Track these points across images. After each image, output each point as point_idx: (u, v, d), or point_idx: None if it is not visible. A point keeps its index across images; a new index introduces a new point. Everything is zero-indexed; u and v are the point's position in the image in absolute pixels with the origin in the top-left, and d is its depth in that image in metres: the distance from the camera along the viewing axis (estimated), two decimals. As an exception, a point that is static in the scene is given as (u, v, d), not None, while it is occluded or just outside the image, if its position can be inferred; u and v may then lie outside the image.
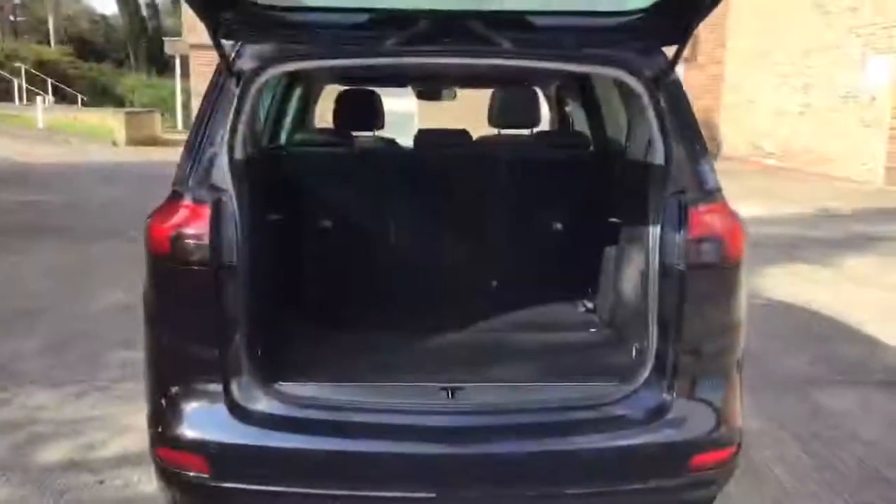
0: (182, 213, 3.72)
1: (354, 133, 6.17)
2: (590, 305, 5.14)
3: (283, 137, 6.31)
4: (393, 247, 5.28)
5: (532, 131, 6.37)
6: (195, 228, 3.67)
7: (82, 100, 39.67)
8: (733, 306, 3.87)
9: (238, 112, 3.85)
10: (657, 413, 3.73)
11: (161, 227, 3.74)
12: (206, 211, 3.67)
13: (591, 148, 5.33)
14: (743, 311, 3.92)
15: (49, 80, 38.04)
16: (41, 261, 9.65)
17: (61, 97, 39.29)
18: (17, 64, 37.87)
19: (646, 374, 3.80)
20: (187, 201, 3.74)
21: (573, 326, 4.81)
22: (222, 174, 3.75)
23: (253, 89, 3.90)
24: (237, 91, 3.86)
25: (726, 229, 3.84)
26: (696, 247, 3.76)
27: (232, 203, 3.71)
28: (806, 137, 22.61)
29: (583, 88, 6.70)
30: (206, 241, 3.64)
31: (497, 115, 5.59)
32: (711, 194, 3.92)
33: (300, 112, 7.21)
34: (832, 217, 14.79)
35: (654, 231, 3.85)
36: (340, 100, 5.60)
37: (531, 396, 3.83)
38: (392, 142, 6.51)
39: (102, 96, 42.48)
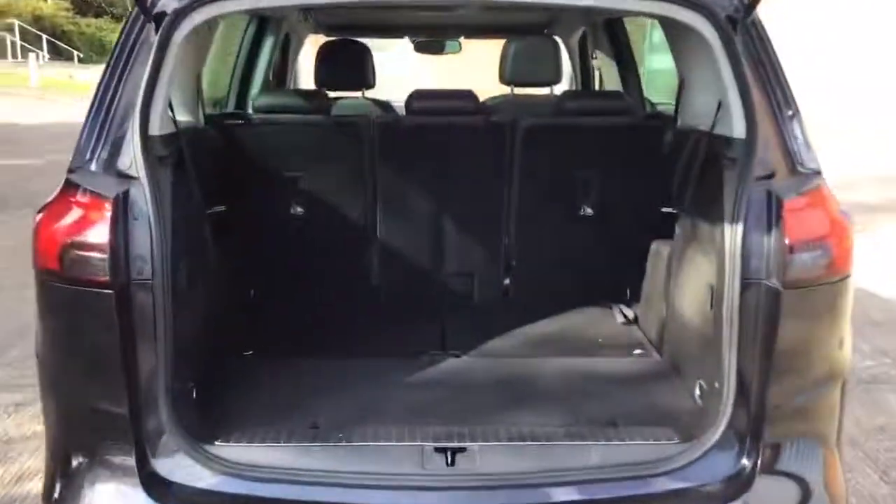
0: (74, 214, 2.67)
1: (340, 94, 5.10)
2: (628, 314, 4.07)
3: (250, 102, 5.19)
4: (379, 243, 4.21)
5: (552, 90, 5.23)
6: (91, 235, 2.65)
7: (78, 56, 38.42)
8: (840, 339, 2.80)
9: (157, 70, 2.78)
10: (734, 488, 2.70)
11: (48, 232, 2.70)
12: (107, 210, 2.61)
13: (634, 113, 4.20)
14: (850, 344, 2.86)
15: (44, 37, 36.78)
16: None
17: (57, 53, 38.06)
18: (11, 20, 36.54)
19: (719, 429, 2.75)
20: (82, 196, 2.69)
21: (612, 346, 3.75)
22: (131, 157, 2.69)
23: (178, 38, 2.82)
24: (156, 41, 2.78)
25: (834, 229, 2.77)
26: (795, 256, 2.68)
27: (145, 196, 2.66)
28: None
29: (613, 38, 5.55)
30: (104, 252, 2.59)
31: (511, 70, 4.51)
32: (810, 180, 2.83)
33: (276, 70, 6.07)
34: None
35: (732, 231, 2.77)
36: (322, 53, 4.54)
37: (560, 462, 2.79)
38: (385, 105, 5.41)
39: (100, 53, 41.13)
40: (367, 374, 3.37)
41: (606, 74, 5.78)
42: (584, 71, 6.53)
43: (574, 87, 6.56)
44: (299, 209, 4.13)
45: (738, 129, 2.90)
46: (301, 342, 3.77)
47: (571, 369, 3.46)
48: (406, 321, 4.02)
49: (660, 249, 3.74)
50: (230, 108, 5.16)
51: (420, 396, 3.19)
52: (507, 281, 4.35)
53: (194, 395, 2.99)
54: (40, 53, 32.49)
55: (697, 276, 3.19)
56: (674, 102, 3.91)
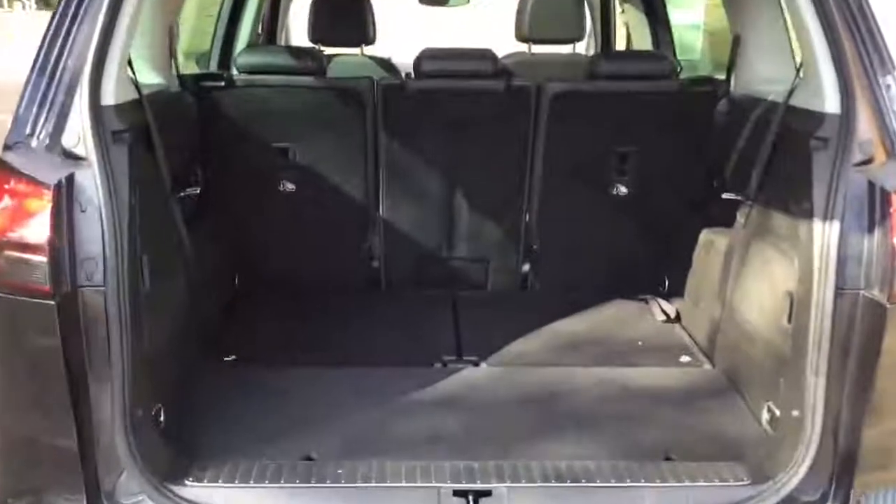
0: (6, 206, 2.15)
1: (335, 50, 4.50)
2: (668, 310, 3.54)
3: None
4: (381, 224, 3.67)
5: (574, 48, 4.64)
6: (27, 232, 2.16)
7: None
8: None
9: (111, 20, 2.23)
10: None
11: None
12: (46, 200, 2.09)
13: (679, 76, 3.63)
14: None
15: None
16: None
17: (45, 3, 36.86)
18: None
19: (801, 471, 2.26)
20: (16, 182, 2.16)
21: (653, 350, 3.23)
22: (79, 132, 2.13)
23: None
24: None
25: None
26: None
27: (95, 181, 2.12)
28: None
29: None
30: (43, 253, 2.07)
31: (530, 25, 3.97)
32: None
33: (265, 24, 5.42)
34: None
35: (823, 229, 2.25)
36: (317, 3, 3.97)
37: None
38: (388, 65, 4.81)
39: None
40: (370, 389, 2.85)
41: (635, 32, 5.17)
42: (605, 27, 5.89)
43: (595, 46, 5.94)
44: (290, 186, 3.59)
45: (830, 101, 2.37)
46: (292, 343, 3.24)
47: (610, 382, 2.94)
48: (412, 315, 3.51)
49: (714, 241, 3.19)
50: (213, 68, 4.56)
51: (433, 419, 2.68)
52: (525, 267, 3.82)
53: (162, 418, 2.48)
54: (26, 3, 31.40)
55: (770, 280, 2.66)
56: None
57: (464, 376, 2.97)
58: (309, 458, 2.44)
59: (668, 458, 2.48)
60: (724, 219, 3.14)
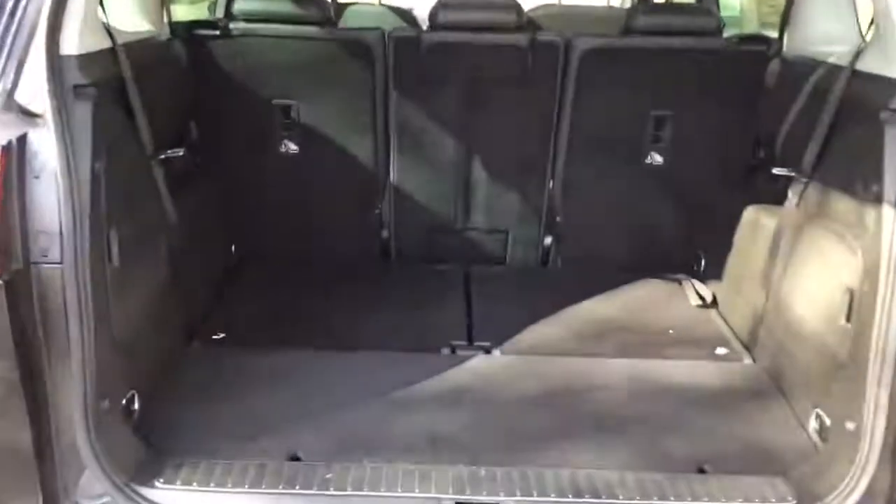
0: (-52, 169, 1.88)
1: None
2: (704, 293, 3.21)
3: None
4: (391, 189, 3.37)
5: (608, 1, 4.25)
6: None
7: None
8: None
9: None
10: None
11: None
12: None
13: (724, 31, 3.24)
14: None
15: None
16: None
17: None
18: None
19: (856, 491, 1.97)
20: None
21: (686, 340, 2.91)
22: (35, 86, 1.88)
23: None
24: None
25: None
26: None
27: (53, 142, 1.85)
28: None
29: None
30: None
31: None
32: None
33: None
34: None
35: (894, 218, 1.90)
36: None
37: None
38: (406, 15, 4.46)
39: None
40: (369, 377, 2.57)
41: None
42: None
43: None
44: (292, 147, 3.30)
45: None
46: (287, 322, 2.96)
47: (637, 377, 2.63)
48: (421, 292, 3.22)
49: (760, 220, 2.85)
50: (218, 14, 4.22)
51: (437, 415, 2.39)
52: (547, 241, 3.51)
53: (135, 406, 2.24)
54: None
55: (826, 271, 2.32)
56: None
57: (473, 366, 2.67)
58: (296, 458, 2.18)
59: (701, 471, 2.19)
60: (773, 195, 2.79)
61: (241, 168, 3.30)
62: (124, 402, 2.19)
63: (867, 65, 2.28)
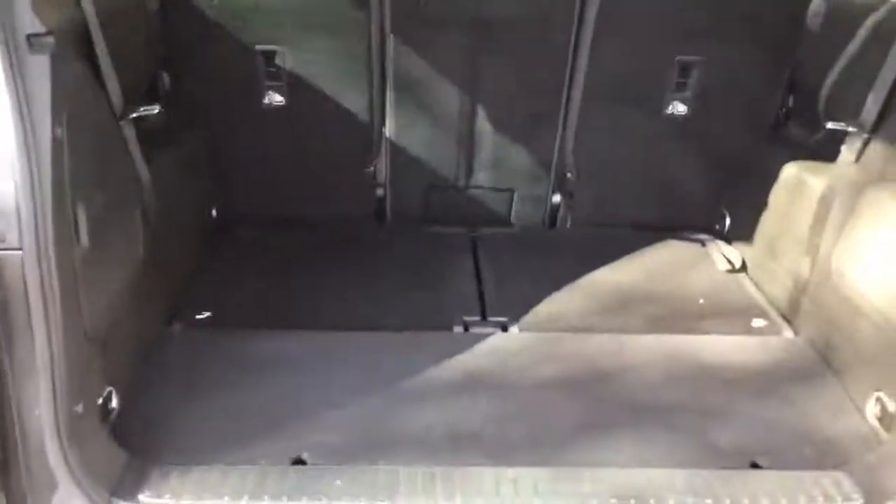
0: None
1: None
2: (733, 257, 2.97)
3: None
4: (388, 144, 3.07)
5: None
6: None
7: None
8: None
9: None
10: None
11: None
12: None
13: None
14: None
15: None
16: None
17: None
18: None
19: None
20: None
21: (719, 311, 2.67)
22: None
23: None
24: None
25: None
26: None
27: (2, 103, 1.60)
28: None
29: None
30: None
31: None
32: None
33: None
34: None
35: None
36: None
37: None
38: None
39: None
40: (372, 362, 2.30)
41: None
42: None
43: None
44: (277, 98, 2.97)
45: None
46: (280, 297, 2.67)
47: (671, 355, 2.38)
48: (425, 260, 2.95)
49: (804, 178, 2.58)
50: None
51: (455, 405, 2.13)
52: (556, 199, 3.23)
53: (113, 405, 1.96)
54: None
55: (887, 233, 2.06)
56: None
57: (491, 345, 2.40)
58: (300, 462, 1.92)
59: (754, 465, 1.96)
60: (814, 151, 2.53)
61: (220, 123, 2.97)
62: (101, 401, 1.91)
63: None
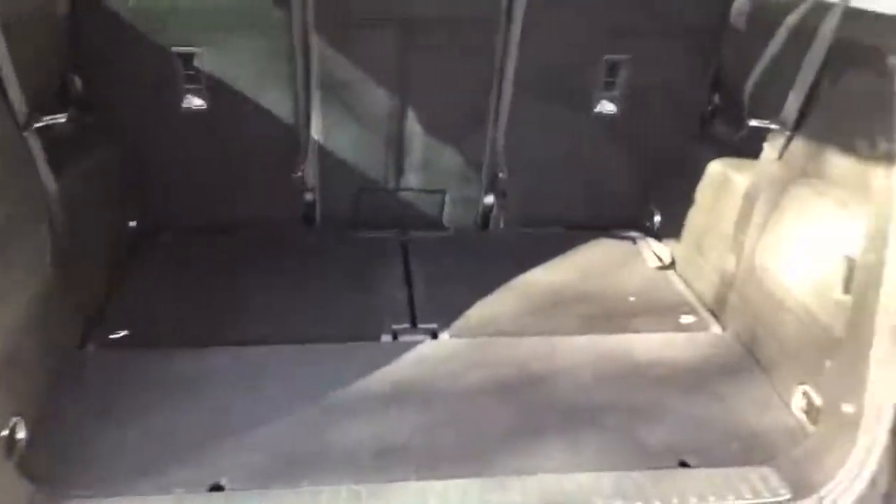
0: None
1: None
2: (662, 253, 2.98)
3: None
4: (315, 146, 3.00)
5: None
6: None
7: None
8: None
9: None
10: None
11: None
12: None
13: None
14: None
15: None
16: None
17: None
18: None
19: (858, 485, 1.77)
20: None
21: (649, 308, 2.67)
22: None
23: None
24: None
25: None
26: None
27: None
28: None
29: None
30: None
31: None
32: None
33: None
34: None
35: None
36: None
37: None
38: None
39: None
40: (297, 376, 2.22)
41: None
42: None
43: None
44: (197, 102, 2.85)
45: None
46: (202, 312, 2.56)
47: (601, 356, 2.37)
48: (354, 267, 2.88)
49: (729, 175, 2.59)
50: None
51: (382, 419, 2.07)
52: (489, 200, 3.20)
53: (19, 437, 1.85)
54: None
55: (818, 236, 2.08)
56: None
57: (420, 353, 2.35)
58: (218, 487, 1.84)
59: (683, 464, 1.96)
60: (738, 149, 2.54)
61: (138, 129, 2.85)
62: (6, 432, 1.80)
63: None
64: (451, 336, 2.46)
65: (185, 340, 2.38)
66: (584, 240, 3.08)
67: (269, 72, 2.87)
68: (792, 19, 2.31)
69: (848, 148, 1.96)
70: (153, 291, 2.68)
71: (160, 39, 2.75)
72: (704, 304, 2.66)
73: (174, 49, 2.77)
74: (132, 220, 2.95)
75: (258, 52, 2.84)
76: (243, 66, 2.85)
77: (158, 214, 3.01)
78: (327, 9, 2.79)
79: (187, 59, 2.80)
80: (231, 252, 2.93)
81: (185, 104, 2.85)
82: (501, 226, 3.21)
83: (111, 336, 2.38)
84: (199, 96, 2.85)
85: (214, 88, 2.84)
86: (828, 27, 2.10)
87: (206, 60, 2.80)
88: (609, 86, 2.94)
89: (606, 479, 1.87)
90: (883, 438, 1.77)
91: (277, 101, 2.92)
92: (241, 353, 2.32)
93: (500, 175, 3.12)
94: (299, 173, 3.05)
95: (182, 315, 2.54)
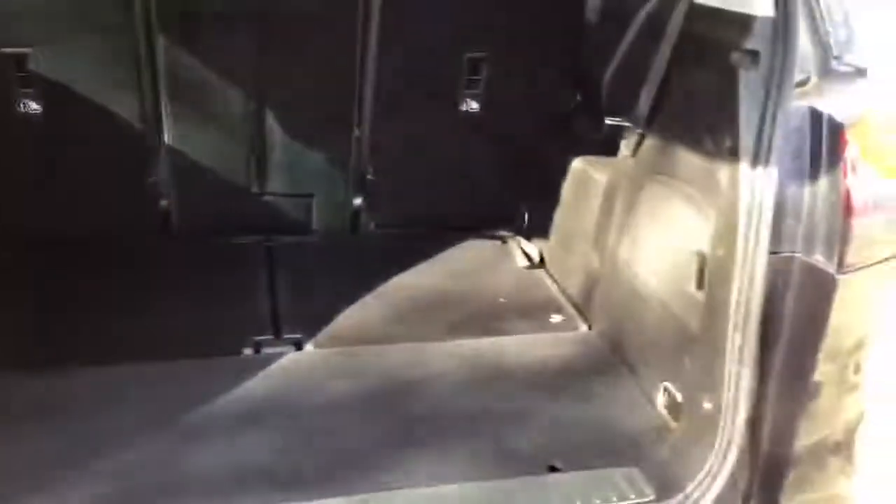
0: None
1: None
2: (530, 252, 2.98)
3: None
4: (168, 152, 2.82)
5: None
6: None
7: None
8: None
9: None
10: None
11: None
12: None
13: None
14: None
15: None
16: None
17: None
18: None
19: (718, 480, 1.80)
20: None
21: (519, 309, 2.65)
22: None
23: None
24: None
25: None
26: (858, 221, 1.67)
27: None
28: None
29: None
30: None
31: None
32: (856, 85, 1.82)
33: None
34: None
35: (752, 174, 1.71)
36: None
37: None
38: None
39: None
40: (151, 398, 2.08)
41: None
42: None
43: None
44: (33, 105, 2.64)
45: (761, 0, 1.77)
46: (41, 331, 2.36)
47: (471, 361, 2.33)
48: (213, 275, 2.74)
49: (590, 173, 2.61)
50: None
51: (242, 440, 1.96)
52: (357, 201, 3.11)
53: None
54: None
55: (670, 233, 2.11)
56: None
57: (283, 367, 2.25)
58: None
59: (552, 468, 1.94)
60: (601, 146, 2.56)
61: None
62: None
63: None
64: (317, 347, 2.36)
65: (24, 364, 2.17)
66: (454, 241, 3.04)
67: (113, 74, 2.67)
68: (644, 13, 2.33)
69: (695, 145, 1.99)
70: None
71: None
72: (572, 303, 2.67)
73: (4, 49, 2.54)
74: None
75: (99, 53, 2.63)
76: (84, 68, 2.64)
77: None
78: (170, 6, 2.63)
79: (19, 60, 2.58)
80: (78, 265, 2.72)
81: (20, 108, 2.62)
82: (371, 228, 3.14)
83: None
84: (34, 99, 2.63)
85: (51, 92, 2.63)
86: (675, 22, 2.12)
87: (42, 62, 2.58)
88: (472, 84, 2.91)
89: (475, 489, 1.83)
90: (739, 435, 1.80)
91: (124, 105, 2.72)
92: (87, 374, 2.14)
93: (368, 176, 3.04)
94: (153, 180, 2.88)
95: (20, 336, 2.32)
